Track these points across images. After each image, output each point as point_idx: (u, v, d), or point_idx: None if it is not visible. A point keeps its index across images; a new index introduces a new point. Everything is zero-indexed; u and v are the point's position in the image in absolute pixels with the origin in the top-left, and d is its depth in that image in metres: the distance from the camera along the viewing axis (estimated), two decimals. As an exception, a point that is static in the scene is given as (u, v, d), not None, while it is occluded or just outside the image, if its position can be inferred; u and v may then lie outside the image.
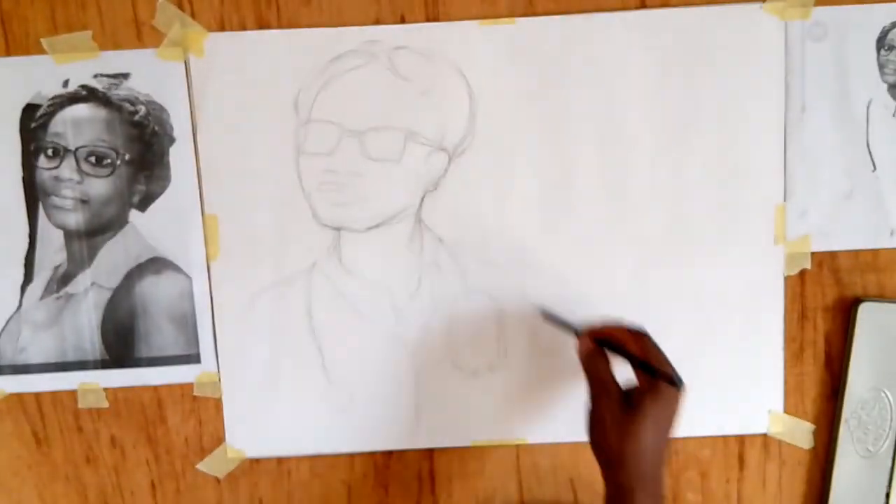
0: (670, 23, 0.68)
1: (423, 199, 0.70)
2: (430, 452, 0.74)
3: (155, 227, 0.70)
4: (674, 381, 0.59)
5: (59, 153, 0.69)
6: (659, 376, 0.59)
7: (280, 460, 0.73)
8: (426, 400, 0.72)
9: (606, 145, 0.70)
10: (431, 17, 0.68)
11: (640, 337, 0.63)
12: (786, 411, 0.73)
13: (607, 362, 0.62)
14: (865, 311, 0.71)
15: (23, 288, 0.71)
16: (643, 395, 0.59)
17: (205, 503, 0.74)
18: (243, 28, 0.68)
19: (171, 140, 0.69)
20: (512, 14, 0.68)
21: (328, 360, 0.72)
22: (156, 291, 0.71)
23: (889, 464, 0.72)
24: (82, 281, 0.70)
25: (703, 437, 0.73)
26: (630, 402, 0.60)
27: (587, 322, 0.65)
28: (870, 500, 0.72)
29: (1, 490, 0.73)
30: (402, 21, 0.68)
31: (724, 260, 0.71)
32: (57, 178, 0.69)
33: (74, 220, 0.70)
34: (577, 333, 0.65)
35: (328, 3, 0.68)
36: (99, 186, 0.70)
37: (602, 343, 0.64)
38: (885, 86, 0.70)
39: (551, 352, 0.72)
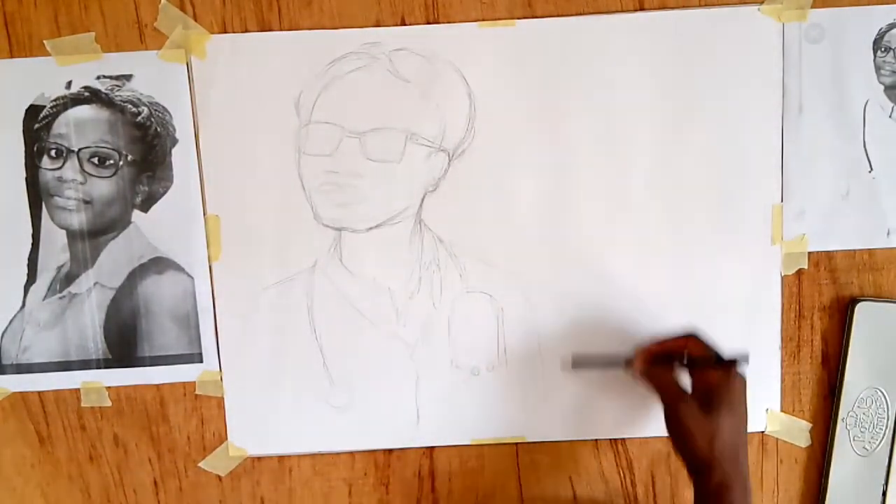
0: (668, 25, 0.69)
1: (423, 200, 0.71)
2: (430, 451, 0.74)
3: (157, 227, 0.70)
4: (742, 358, 0.62)
5: (62, 154, 0.70)
6: (730, 363, 0.62)
7: (281, 458, 0.74)
8: (426, 399, 0.73)
9: (605, 146, 0.70)
10: (431, 19, 0.69)
11: (693, 337, 0.65)
12: (783, 410, 0.73)
13: (671, 371, 0.64)
14: (862, 311, 0.71)
15: (26, 288, 0.71)
16: (717, 392, 0.61)
17: (207, 501, 0.74)
18: (245, 30, 0.69)
19: (174, 141, 0.70)
20: (511, 16, 0.69)
21: (329, 360, 0.72)
22: (158, 291, 0.71)
23: (885, 462, 0.72)
24: (85, 281, 0.71)
25: (701, 436, 0.73)
26: (705, 401, 0.61)
27: (631, 348, 0.68)
28: (866, 498, 0.73)
29: (5, 488, 0.74)
30: (403, 23, 0.69)
31: (721, 260, 0.71)
32: (60, 179, 0.70)
33: (77, 220, 0.70)
34: (626, 362, 0.67)
35: (329, 6, 0.68)
36: (102, 187, 0.70)
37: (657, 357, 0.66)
38: (881, 87, 0.70)
39: (551, 351, 0.72)
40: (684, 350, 0.65)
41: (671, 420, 0.62)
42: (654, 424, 0.72)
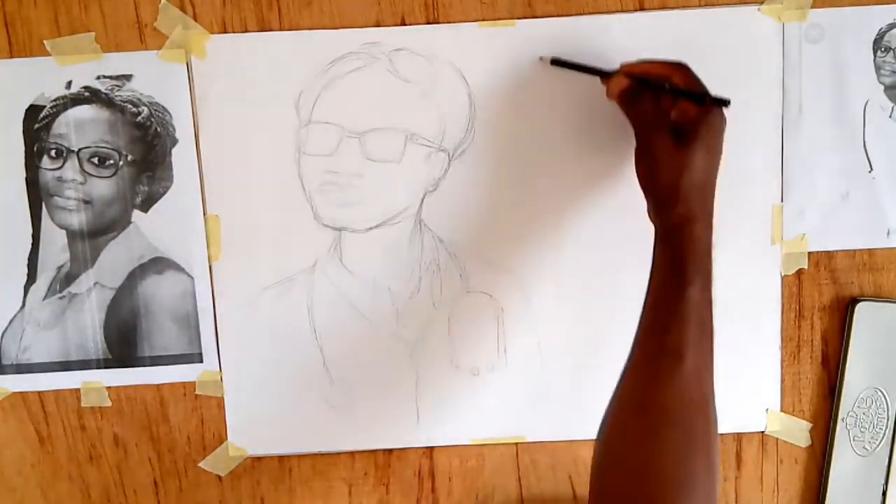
0: (668, 25, 0.69)
1: (423, 200, 0.71)
2: (430, 451, 0.74)
3: (157, 227, 0.70)
4: (725, 102, 0.59)
5: (62, 154, 0.70)
6: (713, 101, 0.59)
7: (281, 458, 0.74)
8: (426, 399, 0.73)
9: (604, 146, 0.70)
10: (431, 19, 0.69)
11: (682, 68, 0.62)
12: (783, 410, 0.73)
13: (650, 97, 0.61)
14: (862, 311, 0.71)
15: (26, 288, 0.71)
16: (695, 126, 0.58)
17: (207, 501, 0.74)
18: (245, 30, 0.69)
19: (174, 141, 0.70)
20: (511, 16, 0.69)
21: (329, 360, 0.72)
22: (158, 291, 0.71)
23: (886, 462, 0.72)
24: (85, 281, 0.71)
25: (701, 436, 0.73)
26: (681, 135, 0.58)
27: (616, 63, 0.64)
28: (866, 497, 0.73)
29: (5, 489, 0.74)
30: (403, 23, 0.69)
31: (721, 260, 0.70)
32: (60, 179, 0.70)
33: (77, 220, 0.70)
34: (606, 74, 0.64)
35: (329, 5, 0.68)
36: (102, 187, 0.70)
37: (640, 82, 0.62)
38: (881, 87, 0.70)
39: (550, 350, 0.72)
40: (669, 78, 0.62)
41: (642, 148, 0.60)
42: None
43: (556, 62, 0.68)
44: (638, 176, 0.61)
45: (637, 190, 0.70)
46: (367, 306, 0.72)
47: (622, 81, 0.63)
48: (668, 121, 0.60)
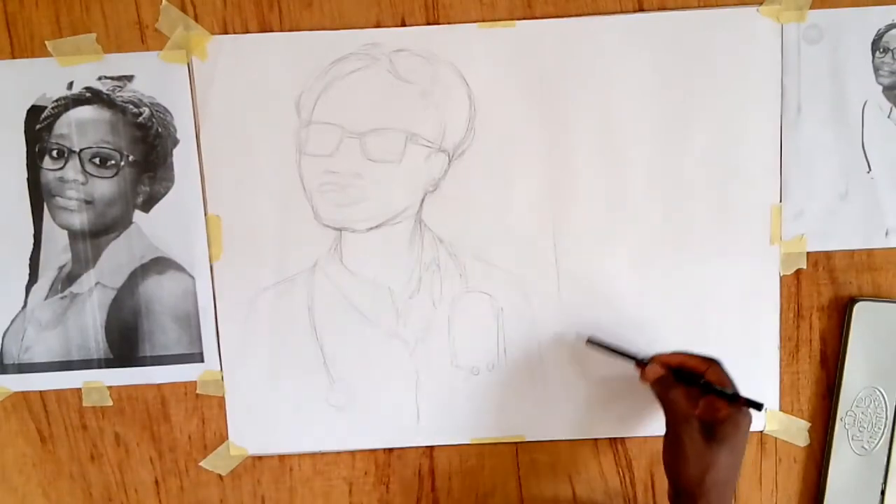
0: (668, 26, 0.69)
1: (423, 200, 0.71)
2: (430, 450, 0.74)
3: (158, 227, 0.71)
4: (758, 405, 0.61)
5: (63, 154, 0.70)
6: (743, 402, 0.61)
7: (282, 458, 0.74)
8: (426, 398, 0.73)
9: (604, 146, 0.70)
10: (431, 20, 0.69)
11: (715, 365, 0.64)
12: (782, 409, 0.74)
13: (684, 390, 0.63)
14: (860, 311, 0.71)
15: (28, 288, 0.71)
16: (724, 425, 0.60)
17: (208, 500, 0.75)
18: (246, 31, 0.69)
19: (175, 141, 0.70)
20: (511, 17, 0.69)
21: (329, 359, 0.72)
22: (159, 291, 0.71)
23: (884, 461, 0.72)
24: (87, 281, 0.71)
25: (700, 435, 0.73)
26: (709, 430, 0.60)
27: (651, 352, 0.68)
28: (865, 497, 0.73)
29: (6, 488, 0.74)
30: (403, 24, 0.69)
31: (720, 260, 0.71)
32: (61, 179, 0.70)
33: (79, 220, 0.71)
34: (642, 362, 0.67)
35: (329, 7, 0.69)
36: (103, 187, 0.70)
37: (673, 372, 0.65)
38: (879, 88, 0.70)
39: (550, 350, 0.72)
40: (703, 372, 0.64)
41: (671, 438, 0.62)
42: (653, 424, 0.73)
43: (592, 342, 0.70)
44: (664, 463, 0.62)
45: (636, 188, 0.71)
46: (367, 306, 0.72)
47: (657, 370, 0.65)
48: (698, 415, 0.62)
